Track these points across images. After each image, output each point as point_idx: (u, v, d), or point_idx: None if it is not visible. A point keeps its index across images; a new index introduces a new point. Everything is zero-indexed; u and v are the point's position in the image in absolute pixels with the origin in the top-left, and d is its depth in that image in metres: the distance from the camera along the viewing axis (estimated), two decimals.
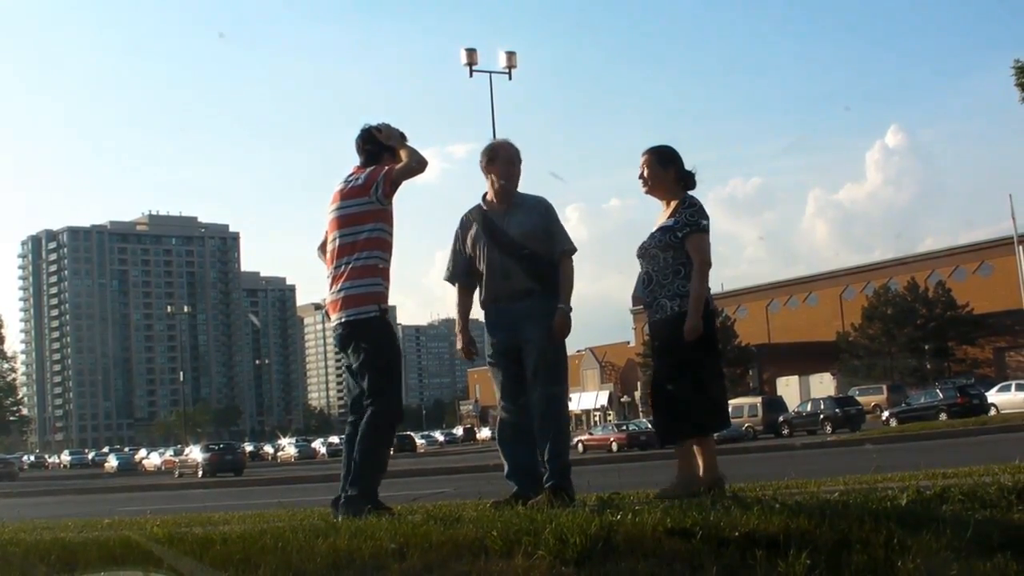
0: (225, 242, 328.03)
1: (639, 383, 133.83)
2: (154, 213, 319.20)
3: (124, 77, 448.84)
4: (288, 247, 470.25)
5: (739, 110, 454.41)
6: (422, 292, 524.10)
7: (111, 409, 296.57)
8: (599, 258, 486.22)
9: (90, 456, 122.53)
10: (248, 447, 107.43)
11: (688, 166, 9.41)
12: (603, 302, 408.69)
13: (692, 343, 8.69)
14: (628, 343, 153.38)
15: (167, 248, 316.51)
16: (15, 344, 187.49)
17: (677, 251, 9.08)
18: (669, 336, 8.97)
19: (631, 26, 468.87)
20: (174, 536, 7.05)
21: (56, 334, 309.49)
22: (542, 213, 9.55)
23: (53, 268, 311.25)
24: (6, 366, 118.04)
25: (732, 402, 74.44)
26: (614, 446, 61.69)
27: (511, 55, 55.48)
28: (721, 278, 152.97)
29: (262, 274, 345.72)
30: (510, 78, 55.72)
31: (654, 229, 9.37)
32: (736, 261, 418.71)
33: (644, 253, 9.36)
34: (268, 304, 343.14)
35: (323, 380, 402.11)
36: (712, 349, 9.16)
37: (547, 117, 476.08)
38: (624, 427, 69.28)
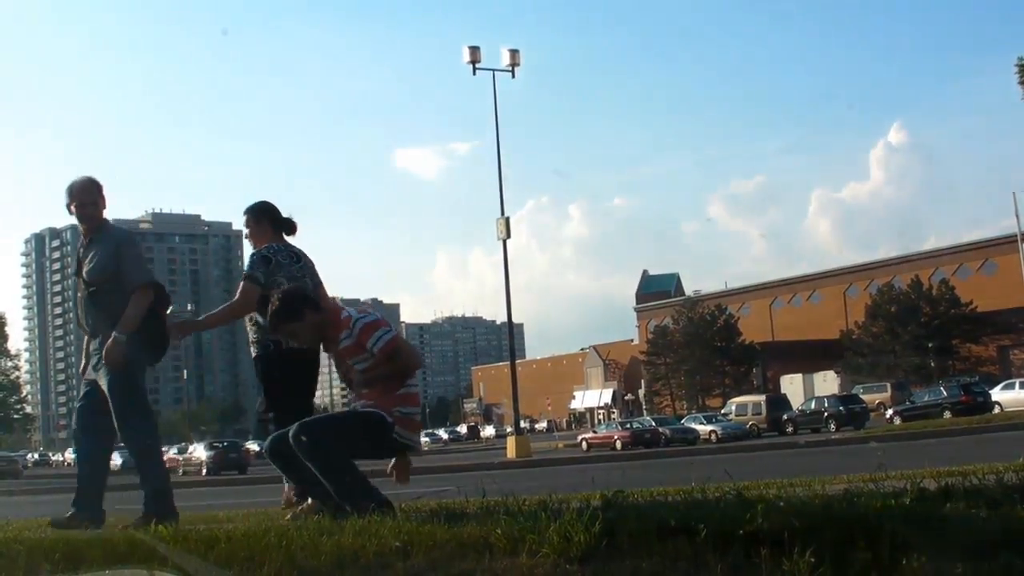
0: (228, 240, 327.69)
1: (643, 381, 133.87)
2: (157, 211, 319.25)
3: (127, 74, 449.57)
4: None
5: (741, 108, 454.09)
6: (425, 290, 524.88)
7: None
8: (602, 256, 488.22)
9: None
10: (252, 446, 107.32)
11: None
12: (606, 300, 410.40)
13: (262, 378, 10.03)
14: (632, 341, 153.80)
15: (171, 246, 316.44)
16: (19, 342, 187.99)
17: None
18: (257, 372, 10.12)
19: (633, 23, 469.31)
20: (178, 534, 7.05)
21: (60, 332, 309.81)
22: (112, 248, 9.83)
23: (56, 266, 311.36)
24: (9, 364, 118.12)
25: (736, 400, 74.69)
26: (618, 444, 61.66)
27: (514, 53, 55.60)
28: (725, 276, 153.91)
29: None
30: (513, 76, 55.90)
31: None
32: (739, 259, 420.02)
33: None
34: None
35: (326, 379, 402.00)
36: (282, 384, 9.97)
37: (550, 115, 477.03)
38: (628, 425, 69.24)
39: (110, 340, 9.56)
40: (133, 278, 9.68)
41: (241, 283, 9.85)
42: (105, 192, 10.18)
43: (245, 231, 10.38)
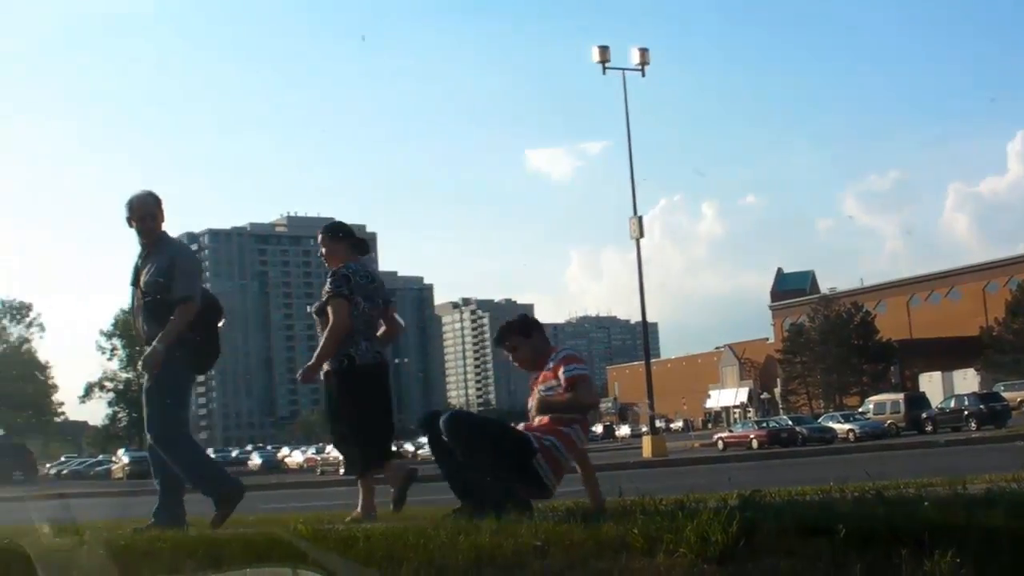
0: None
1: (778, 379, 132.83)
2: (292, 214, 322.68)
3: (264, 80, 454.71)
4: (424, 246, 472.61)
5: (875, 102, 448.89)
6: (558, 290, 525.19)
7: (253, 408, 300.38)
8: (735, 255, 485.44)
9: (234, 454, 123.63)
10: None
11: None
12: (740, 299, 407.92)
13: (335, 393, 10.28)
14: (767, 340, 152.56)
15: (306, 249, 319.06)
16: None
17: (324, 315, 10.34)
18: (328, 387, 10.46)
19: (764, 18, 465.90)
20: (317, 533, 7.12)
21: None
22: (166, 261, 10.09)
23: None
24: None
25: (874, 398, 73.78)
26: (754, 443, 61.28)
27: (644, 51, 55.46)
28: (860, 273, 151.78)
29: (399, 273, 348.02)
30: (643, 74, 55.77)
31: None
32: (875, 256, 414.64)
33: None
34: (406, 303, 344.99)
35: (462, 379, 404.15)
36: (355, 400, 10.23)
37: (680, 114, 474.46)
38: (764, 424, 68.78)
39: (149, 348, 9.90)
40: (178, 292, 9.93)
41: (331, 303, 10.19)
42: (164, 206, 10.32)
43: (321, 250, 10.76)
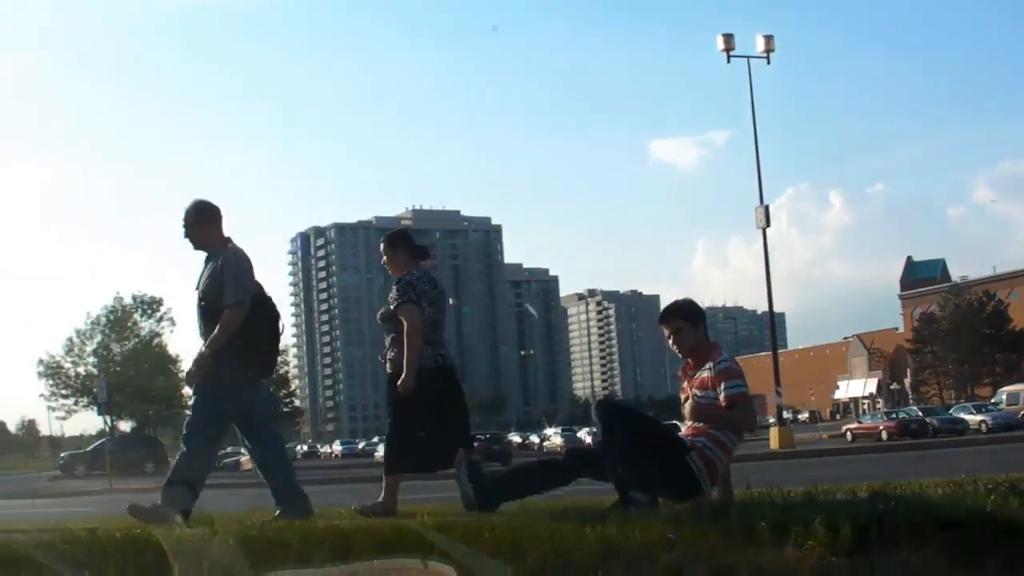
0: (488, 235, 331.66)
1: (908, 369, 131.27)
2: (418, 208, 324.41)
3: (389, 74, 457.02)
4: (550, 238, 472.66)
5: (1007, 87, 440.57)
6: (685, 281, 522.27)
7: (380, 400, 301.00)
8: (863, 244, 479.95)
9: (360, 445, 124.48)
10: (515, 437, 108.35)
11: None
12: (868, 288, 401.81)
13: (400, 397, 10.25)
14: (897, 329, 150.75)
15: (431, 241, 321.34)
16: (287, 338, 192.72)
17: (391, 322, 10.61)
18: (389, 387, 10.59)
19: (890, 2, 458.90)
20: (444, 524, 7.15)
21: (326, 327, 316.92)
22: (218, 267, 10.26)
23: (322, 264, 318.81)
24: (279, 359, 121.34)
25: (1007, 388, 72.56)
26: (883, 435, 60.45)
27: (769, 39, 54.98)
28: (992, 261, 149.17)
29: (525, 265, 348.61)
30: (768, 62, 55.29)
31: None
32: (1007, 243, 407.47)
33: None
34: (532, 295, 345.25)
35: (587, 370, 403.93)
36: (417, 405, 10.26)
37: (806, 101, 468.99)
38: (894, 415, 67.74)
39: (196, 354, 10.24)
40: (225, 298, 10.08)
41: (401, 309, 10.36)
42: (214, 215, 10.53)
43: (383, 258, 11.00)
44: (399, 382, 10.27)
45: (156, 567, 5.46)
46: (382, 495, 10.30)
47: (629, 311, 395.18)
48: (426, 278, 10.71)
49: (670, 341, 9.31)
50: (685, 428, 9.07)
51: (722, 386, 8.74)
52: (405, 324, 10.29)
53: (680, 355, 9.37)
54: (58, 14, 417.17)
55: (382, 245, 10.96)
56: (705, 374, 8.92)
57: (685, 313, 9.31)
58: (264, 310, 10.45)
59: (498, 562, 3.87)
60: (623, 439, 8.70)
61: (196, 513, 9.48)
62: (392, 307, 10.54)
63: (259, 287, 10.52)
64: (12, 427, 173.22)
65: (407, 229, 10.89)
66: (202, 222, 10.46)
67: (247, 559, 4.79)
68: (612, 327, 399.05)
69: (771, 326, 60.06)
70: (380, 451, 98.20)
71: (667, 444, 8.90)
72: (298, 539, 6.82)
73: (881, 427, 62.82)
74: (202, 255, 10.43)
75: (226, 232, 10.53)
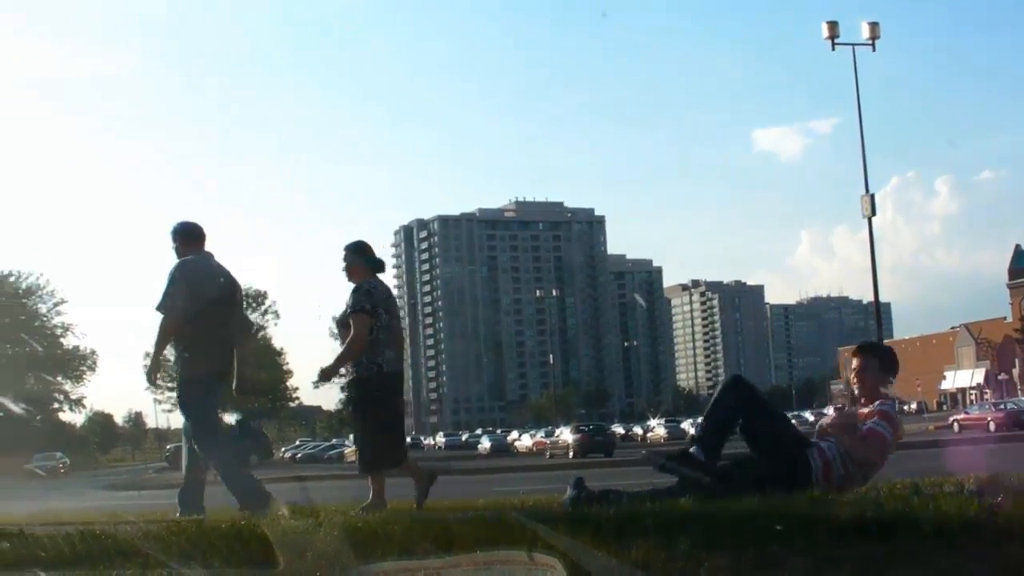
0: (591, 226, 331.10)
1: (1016, 360, 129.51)
2: (521, 199, 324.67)
3: (496, 65, 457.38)
4: (653, 229, 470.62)
5: None
6: (789, 271, 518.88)
7: (483, 392, 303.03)
8: (971, 232, 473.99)
9: (464, 438, 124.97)
10: (618, 428, 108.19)
11: None
12: (976, 277, 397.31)
13: (362, 397, 10.99)
14: (1005, 319, 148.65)
15: (534, 233, 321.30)
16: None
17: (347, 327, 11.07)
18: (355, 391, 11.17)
19: None
20: (549, 516, 7.14)
21: (429, 320, 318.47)
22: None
23: (425, 256, 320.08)
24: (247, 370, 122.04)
25: None
26: (991, 426, 59.74)
27: (874, 26, 54.42)
28: None
29: (628, 256, 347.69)
30: (874, 49, 54.74)
31: None
32: None
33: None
34: (635, 286, 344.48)
35: (691, 361, 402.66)
36: (379, 404, 10.94)
37: (912, 89, 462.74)
38: (1002, 406, 66.90)
39: None
40: (157, 305, 11.13)
41: (354, 317, 10.88)
42: (184, 236, 11.58)
43: (343, 264, 11.44)
44: (319, 373, 11.31)
45: (263, 558, 5.52)
46: (372, 494, 10.69)
47: (733, 301, 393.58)
48: (382, 288, 11.33)
49: (853, 371, 9.37)
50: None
51: (872, 420, 8.77)
52: (352, 330, 10.83)
53: (855, 388, 9.39)
54: (154, 11, 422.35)
55: (344, 253, 11.47)
56: (866, 409, 8.96)
57: (883, 358, 9.50)
58: (218, 319, 11.25)
59: (602, 554, 3.86)
60: (758, 420, 8.84)
61: (302, 504, 9.62)
62: (346, 312, 11.08)
63: (224, 297, 11.43)
64: (119, 420, 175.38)
65: (365, 241, 11.68)
66: (176, 240, 11.54)
67: (351, 550, 4.82)
68: (716, 318, 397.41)
69: (877, 316, 59.48)
70: (483, 443, 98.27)
71: (792, 434, 9.14)
72: (402, 530, 6.85)
73: (989, 418, 62.12)
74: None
75: (209, 247, 11.63)
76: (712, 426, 8.96)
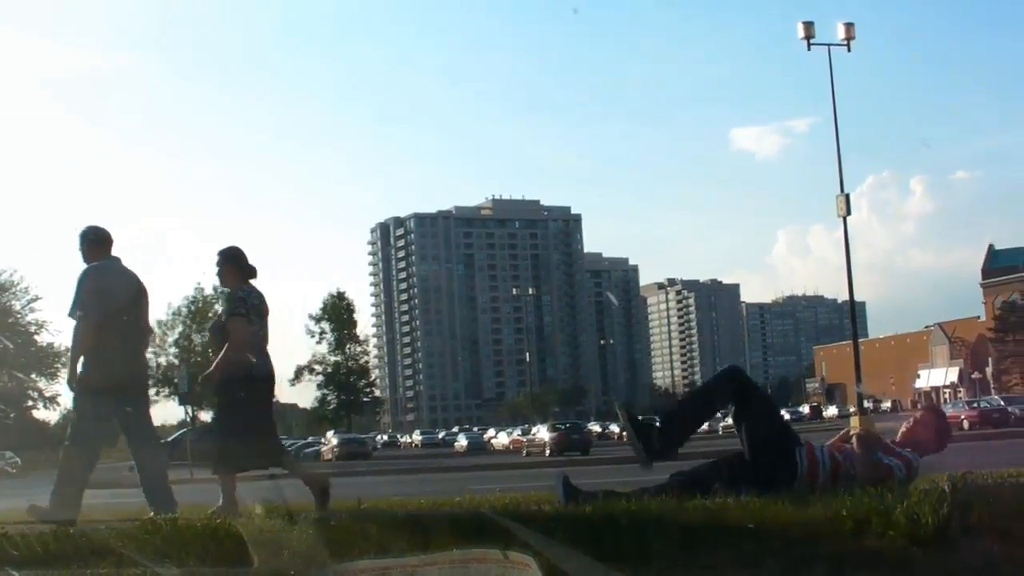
0: (567, 224, 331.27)
1: (990, 359, 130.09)
2: (498, 197, 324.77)
3: (473, 62, 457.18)
4: (629, 228, 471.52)
5: None
6: (765, 270, 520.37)
7: (460, 390, 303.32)
8: (946, 231, 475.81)
9: (440, 436, 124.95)
10: (594, 427, 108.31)
11: None
12: (950, 276, 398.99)
13: (226, 398, 11.37)
14: (978, 318, 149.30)
15: (511, 231, 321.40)
16: (367, 328, 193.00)
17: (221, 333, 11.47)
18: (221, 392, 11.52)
19: None
20: (525, 514, 7.15)
21: (406, 317, 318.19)
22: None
23: (401, 254, 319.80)
24: (359, 349, 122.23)
25: None
26: (965, 424, 60.07)
27: (849, 26, 54.87)
28: None
29: (604, 255, 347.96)
30: (848, 49, 55.09)
31: None
32: None
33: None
34: (611, 284, 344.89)
35: (667, 359, 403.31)
36: (243, 406, 11.16)
37: (887, 89, 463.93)
38: (976, 404, 67.23)
39: None
40: (69, 311, 11.33)
41: (231, 322, 11.16)
42: (90, 242, 11.62)
43: (216, 270, 11.64)
44: (201, 377, 11.97)
45: (237, 557, 5.51)
46: (224, 496, 10.84)
47: (709, 300, 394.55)
48: (255, 294, 11.50)
49: (914, 419, 9.46)
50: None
51: (896, 462, 8.74)
52: (231, 335, 11.10)
53: (905, 426, 9.45)
54: (154, 14, 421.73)
55: (217, 259, 11.64)
56: (897, 447, 9.03)
57: (940, 428, 9.47)
58: (123, 326, 11.40)
59: (577, 551, 3.86)
60: (752, 409, 8.95)
61: (276, 503, 9.58)
62: (221, 319, 11.48)
63: (132, 302, 11.59)
64: None
65: (239, 247, 11.85)
66: (83, 246, 11.61)
67: (326, 549, 4.82)
68: (692, 316, 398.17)
69: (852, 315, 59.80)
70: (460, 441, 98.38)
71: (784, 428, 9.31)
72: (377, 529, 6.85)
73: (962, 416, 62.40)
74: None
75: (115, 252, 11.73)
76: (692, 408, 9.11)
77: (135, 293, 11.62)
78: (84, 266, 11.42)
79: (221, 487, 10.88)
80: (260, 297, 11.51)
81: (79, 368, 11.20)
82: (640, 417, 9.35)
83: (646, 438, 8.86)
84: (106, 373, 11.07)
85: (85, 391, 11.22)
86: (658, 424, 9.02)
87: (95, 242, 11.54)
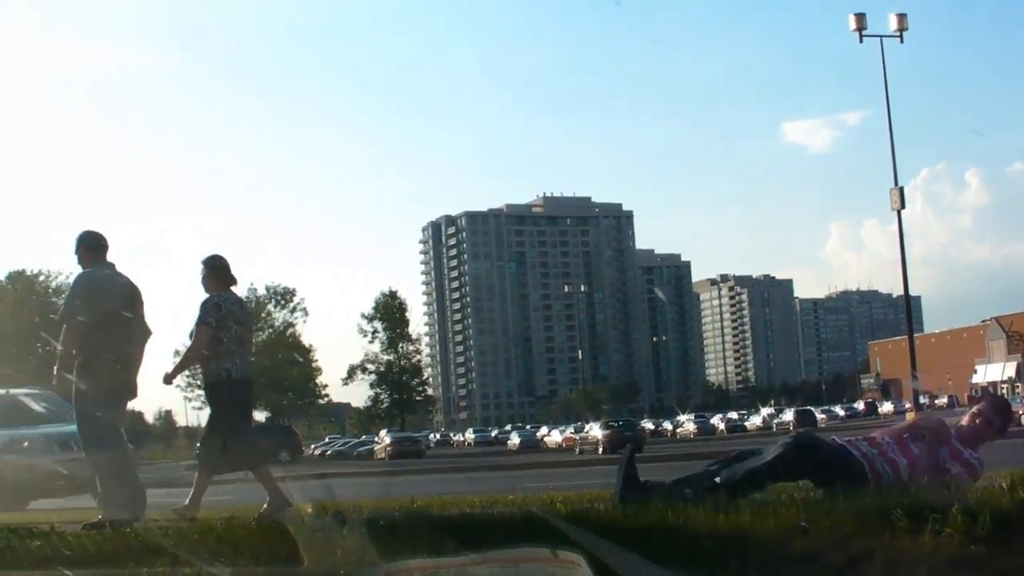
0: (619, 221, 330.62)
1: None
2: (549, 195, 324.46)
3: (518, 59, 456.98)
4: (681, 223, 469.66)
5: None
6: (819, 265, 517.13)
7: (512, 387, 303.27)
8: (1002, 224, 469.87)
9: (493, 434, 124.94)
10: (647, 424, 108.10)
11: None
12: (1006, 270, 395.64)
13: (211, 401, 11.79)
14: None
15: (562, 229, 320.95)
16: (419, 327, 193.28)
17: None
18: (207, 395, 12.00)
19: None
20: (576, 513, 7.12)
21: (458, 316, 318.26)
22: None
23: (453, 252, 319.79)
24: (412, 348, 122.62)
25: None
26: (1023, 420, 59.48)
27: (902, 17, 54.46)
28: None
29: (656, 251, 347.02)
30: (901, 41, 54.73)
31: None
32: None
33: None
34: (664, 281, 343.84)
35: (720, 356, 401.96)
36: (227, 408, 11.66)
37: (941, 80, 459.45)
38: None
39: None
40: (59, 316, 11.88)
41: (195, 328, 11.58)
42: (87, 247, 11.93)
43: (200, 276, 12.00)
44: (165, 373, 11.89)
45: (290, 556, 5.51)
46: (192, 493, 11.33)
47: (762, 296, 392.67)
48: (234, 300, 11.97)
49: (974, 413, 9.35)
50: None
51: (962, 467, 8.68)
52: (192, 340, 11.63)
53: (963, 421, 9.37)
54: (183, 14, 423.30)
55: (201, 266, 12.05)
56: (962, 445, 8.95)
57: (1004, 420, 9.45)
58: (118, 331, 11.65)
59: (627, 551, 3.84)
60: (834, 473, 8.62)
61: (327, 501, 9.60)
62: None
63: (125, 308, 11.78)
64: (150, 417, 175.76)
65: (223, 256, 12.32)
66: (79, 250, 11.90)
67: (377, 548, 4.81)
68: (745, 312, 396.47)
69: (907, 309, 59.41)
70: (512, 439, 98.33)
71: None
72: (428, 527, 6.84)
73: (1020, 412, 61.78)
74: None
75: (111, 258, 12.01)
76: (751, 478, 8.57)
77: (128, 299, 11.86)
78: (79, 270, 11.84)
79: (194, 486, 11.28)
80: (238, 303, 12.07)
81: (73, 373, 11.41)
82: (644, 480, 9.12)
83: (630, 479, 8.86)
84: (96, 376, 11.30)
85: (80, 395, 11.46)
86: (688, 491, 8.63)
87: (91, 248, 11.86)
